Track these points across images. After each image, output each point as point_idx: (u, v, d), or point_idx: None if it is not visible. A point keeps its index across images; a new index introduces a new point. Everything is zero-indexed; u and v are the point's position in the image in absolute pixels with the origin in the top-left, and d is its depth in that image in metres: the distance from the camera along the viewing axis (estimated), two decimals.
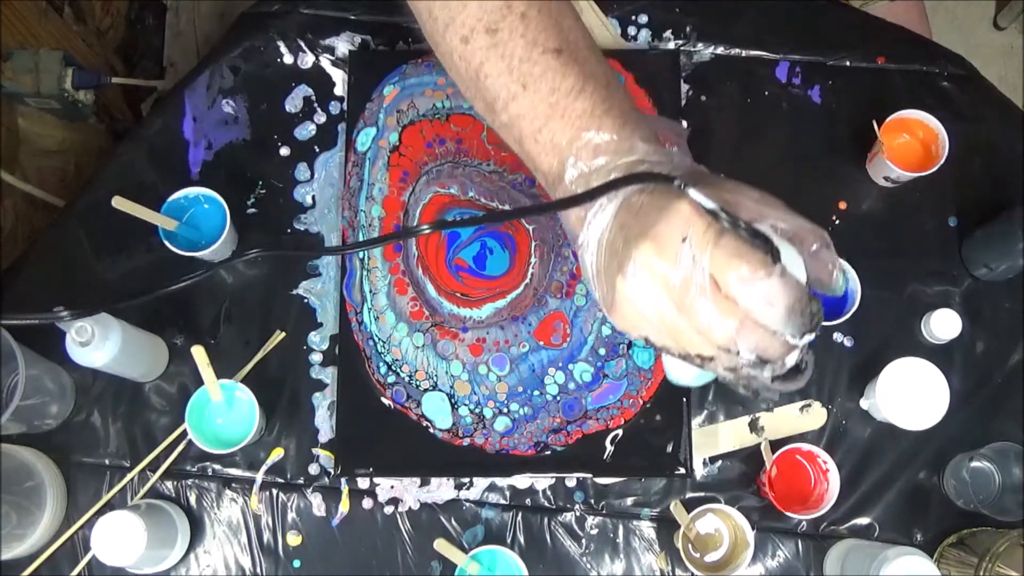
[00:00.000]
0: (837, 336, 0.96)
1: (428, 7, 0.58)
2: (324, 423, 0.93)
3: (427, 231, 0.52)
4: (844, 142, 1.01)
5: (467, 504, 0.92)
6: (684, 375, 0.55)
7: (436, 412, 0.91)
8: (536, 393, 0.92)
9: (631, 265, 0.49)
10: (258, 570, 0.91)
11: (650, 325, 0.50)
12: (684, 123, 0.99)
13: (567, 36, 0.56)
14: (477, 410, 0.91)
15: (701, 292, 0.47)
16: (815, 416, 0.94)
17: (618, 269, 0.50)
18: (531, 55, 0.54)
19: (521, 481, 0.92)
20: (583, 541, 0.92)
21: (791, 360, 0.50)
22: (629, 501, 0.93)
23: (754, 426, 0.94)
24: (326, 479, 0.93)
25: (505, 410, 0.91)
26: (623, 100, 0.55)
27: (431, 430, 0.91)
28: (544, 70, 0.54)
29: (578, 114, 0.54)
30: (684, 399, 0.92)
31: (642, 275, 0.48)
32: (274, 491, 0.92)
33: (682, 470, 0.91)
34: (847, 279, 0.53)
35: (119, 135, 1.41)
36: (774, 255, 0.47)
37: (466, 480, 0.92)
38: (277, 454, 0.93)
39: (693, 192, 0.46)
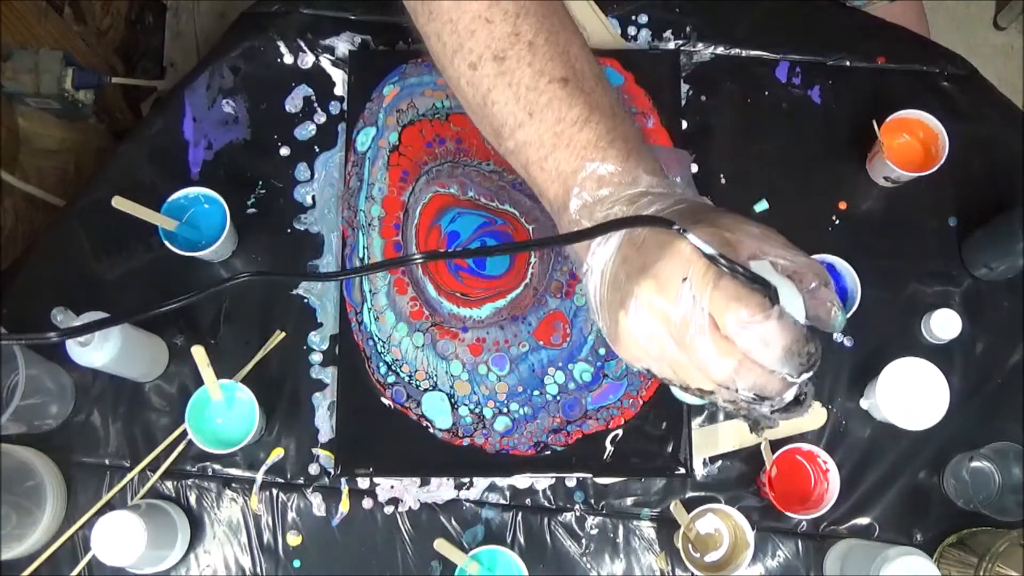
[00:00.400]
0: (837, 336, 0.96)
1: (437, 32, 0.58)
2: (324, 423, 0.93)
3: (419, 260, 0.52)
4: (844, 142, 1.01)
5: (467, 504, 0.92)
6: (690, 396, 0.56)
7: (436, 412, 0.91)
8: (536, 393, 0.92)
9: (633, 301, 0.49)
10: (258, 570, 0.91)
11: (651, 359, 0.51)
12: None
13: (574, 65, 0.56)
14: (477, 410, 0.91)
15: (700, 331, 0.48)
16: (815, 416, 0.94)
17: (620, 303, 0.50)
18: (538, 84, 0.55)
19: (521, 481, 0.92)
20: (583, 541, 0.92)
21: (789, 395, 0.51)
22: (629, 501, 0.93)
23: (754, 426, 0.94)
24: (326, 479, 0.93)
25: (505, 410, 0.91)
26: (628, 130, 0.56)
27: (431, 430, 0.91)
28: (550, 99, 0.55)
29: (583, 144, 0.54)
30: None
31: (643, 311, 0.49)
32: (274, 491, 0.92)
33: (682, 470, 0.91)
34: (845, 317, 0.54)
35: (119, 135, 1.41)
36: (772, 297, 0.48)
37: (466, 480, 0.92)
38: (277, 454, 0.93)
39: (692, 237, 0.47)
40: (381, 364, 0.92)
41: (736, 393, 0.49)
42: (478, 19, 0.56)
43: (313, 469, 0.93)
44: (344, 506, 0.92)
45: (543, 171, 0.56)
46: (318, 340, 0.95)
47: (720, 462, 0.94)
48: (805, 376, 0.49)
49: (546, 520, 0.92)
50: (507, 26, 0.55)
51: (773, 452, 0.88)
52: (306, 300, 0.96)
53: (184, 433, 0.91)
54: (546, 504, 0.93)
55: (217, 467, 0.93)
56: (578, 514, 0.92)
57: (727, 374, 0.48)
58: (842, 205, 1.00)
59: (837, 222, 0.99)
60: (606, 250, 0.52)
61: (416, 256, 0.52)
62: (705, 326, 0.47)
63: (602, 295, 0.52)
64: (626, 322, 0.50)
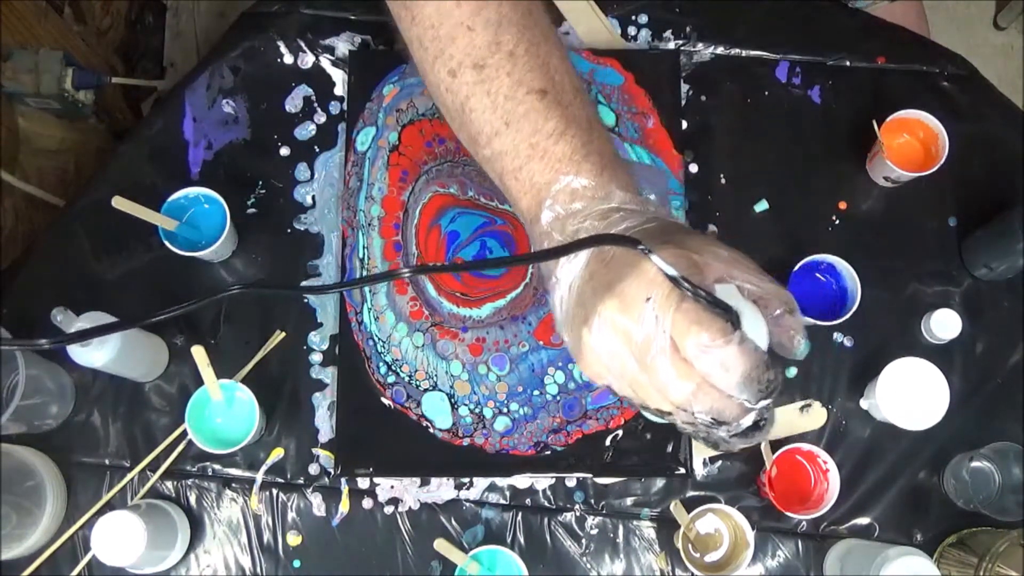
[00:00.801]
0: (837, 336, 0.96)
1: (419, 36, 0.59)
2: (324, 423, 0.93)
3: (407, 275, 0.53)
4: (844, 142, 1.01)
5: (467, 504, 0.92)
6: (651, 414, 0.56)
7: (436, 412, 0.91)
8: (536, 393, 0.92)
9: (596, 319, 0.49)
10: (258, 570, 0.91)
11: (613, 376, 0.51)
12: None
13: (553, 77, 0.56)
14: (477, 410, 0.91)
15: (661, 353, 0.48)
16: (815, 416, 0.94)
17: (584, 320, 0.50)
18: (516, 94, 0.55)
19: (521, 481, 0.92)
20: (583, 541, 0.92)
21: (747, 421, 0.51)
22: (629, 501, 0.93)
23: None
24: (326, 479, 0.93)
25: (505, 410, 0.91)
26: (604, 145, 0.56)
27: (431, 430, 0.91)
28: (528, 110, 0.55)
29: (557, 157, 0.54)
30: None
31: (606, 329, 0.49)
32: (274, 491, 0.92)
33: (682, 470, 0.91)
34: (810, 345, 0.54)
35: (119, 135, 1.41)
36: (734, 322, 0.48)
37: (466, 480, 0.92)
38: (277, 454, 0.93)
39: (656, 259, 0.47)
40: (381, 364, 0.92)
41: (693, 416, 0.50)
42: (460, 26, 0.56)
43: (313, 469, 0.93)
44: (344, 506, 0.92)
45: (517, 181, 0.56)
46: (318, 340, 0.95)
47: (720, 462, 0.94)
48: (764, 403, 0.50)
49: (546, 520, 0.92)
50: (488, 35, 0.55)
51: (773, 452, 0.88)
52: (306, 300, 0.96)
53: (184, 433, 0.91)
54: (546, 504, 0.93)
55: (217, 467, 0.93)
56: (578, 514, 0.92)
57: (685, 397, 0.49)
58: (842, 205, 1.00)
59: (837, 222, 0.99)
60: (575, 265, 0.52)
61: (404, 271, 0.52)
62: (666, 348, 0.48)
63: (568, 309, 0.52)
64: (589, 339, 0.50)
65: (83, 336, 0.52)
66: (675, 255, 0.48)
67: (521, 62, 0.55)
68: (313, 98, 1.01)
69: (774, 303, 0.52)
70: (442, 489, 0.92)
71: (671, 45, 1.03)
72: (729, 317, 0.48)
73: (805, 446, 0.89)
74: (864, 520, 0.92)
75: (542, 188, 0.55)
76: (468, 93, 0.56)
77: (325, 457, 0.93)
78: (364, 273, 0.94)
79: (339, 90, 1.01)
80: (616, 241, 0.49)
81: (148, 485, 0.92)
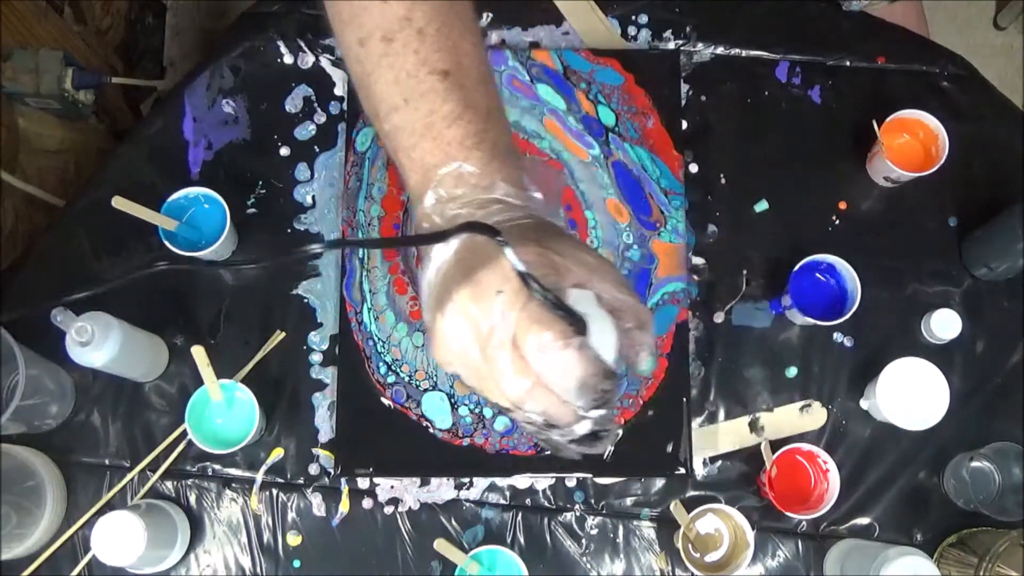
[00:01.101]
0: (837, 336, 0.96)
1: (335, 2, 0.58)
2: (324, 423, 0.93)
3: (318, 249, 0.52)
4: (844, 142, 1.01)
5: (467, 504, 0.92)
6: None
7: (436, 412, 0.91)
8: None
9: (450, 304, 0.50)
10: (258, 570, 0.91)
11: (460, 365, 0.51)
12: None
13: (460, 60, 0.56)
14: (477, 410, 0.91)
15: (501, 347, 0.48)
16: (815, 416, 0.94)
17: (438, 304, 0.51)
18: (419, 72, 0.55)
19: (521, 481, 0.92)
20: (583, 541, 0.92)
21: (581, 429, 0.51)
22: (629, 501, 0.93)
23: (754, 426, 0.94)
24: (326, 479, 0.93)
25: None
26: (499, 136, 0.56)
27: (431, 430, 0.91)
28: (428, 90, 0.55)
29: (448, 140, 0.54)
30: (684, 399, 0.92)
31: (458, 316, 0.50)
32: (274, 491, 0.92)
33: (682, 470, 0.91)
34: (654, 364, 0.56)
35: (119, 135, 1.41)
36: (579, 328, 0.48)
37: (466, 480, 0.92)
38: (277, 454, 0.93)
39: (509, 252, 0.47)
40: (381, 364, 0.92)
41: (527, 415, 0.50)
42: None
43: (313, 469, 0.93)
44: (344, 506, 0.92)
45: (409, 159, 0.56)
46: (318, 340, 0.95)
47: (720, 462, 0.94)
48: (597, 412, 0.50)
49: (546, 520, 0.92)
50: (401, 9, 0.55)
51: (773, 452, 0.88)
52: (306, 300, 0.96)
53: (184, 433, 0.91)
54: (546, 504, 0.93)
55: (217, 467, 0.93)
56: (578, 514, 0.92)
57: (519, 394, 0.49)
58: (842, 205, 1.00)
59: (837, 222, 0.99)
60: (446, 250, 0.52)
61: (315, 246, 0.52)
62: (506, 342, 0.48)
63: (431, 293, 0.52)
64: (441, 323, 0.50)
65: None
66: (535, 253, 0.49)
67: (429, 41, 0.55)
68: (313, 98, 1.01)
69: (627, 316, 0.53)
70: (442, 489, 0.92)
71: (671, 45, 1.03)
72: (573, 321, 0.48)
73: (805, 446, 0.89)
74: (864, 520, 0.92)
75: (430, 169, 0.55)
76: (374, 65, 0.56)
77: (325, 457, 0.93)
78: (365, 272, 0.94)
79: (339, 90, 1.01)
80: (476, 229, 0.49)
81: (148, 485, 0.92)
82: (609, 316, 0.52)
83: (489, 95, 0.57)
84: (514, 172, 0.55)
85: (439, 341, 0.51)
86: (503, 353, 0.48)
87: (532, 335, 0.47)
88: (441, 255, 0.52)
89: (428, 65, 0.55)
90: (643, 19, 1.04)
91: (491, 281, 0.48)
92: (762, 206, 0.99)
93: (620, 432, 0.53)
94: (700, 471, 0.93)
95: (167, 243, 0.90)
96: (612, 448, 0.91)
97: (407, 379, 0.92)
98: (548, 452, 0.90)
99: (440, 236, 0.51)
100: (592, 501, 0.93)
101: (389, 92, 0.55)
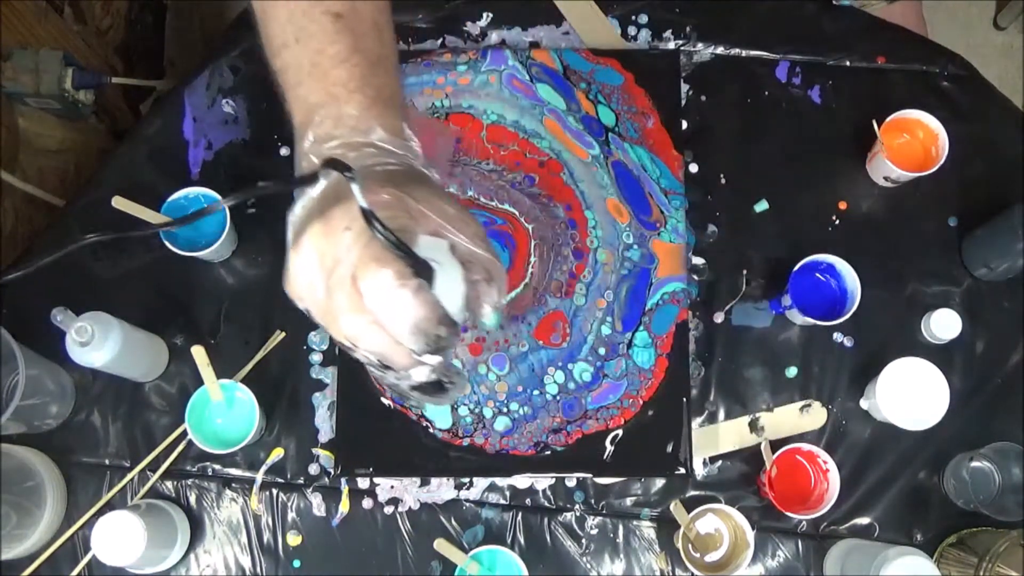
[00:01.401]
0: (837, 336, 0.96)
1: None
2: (324, 423, 0.93)
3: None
4: (844, 142, 1.01)
5: (467, 504, 0.92)
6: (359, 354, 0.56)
7: (436, 412, 0.91)
8: (536, 393, 0.92)
9: (303, 238, 0.50)
10: (258, 570, 0.91)
11: (309, 300, 0.52)
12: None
13: (355, 6, 0.56)
14: (477, 410, 0.91)
15: (341, 281, 0.48)
16: (815, 416, 0.94)
17: (295, 240, 0.51)
18: (312, 12, 0.55)
19: (521, 481, 0.92)
20: (583, 541, 0.92)
21: (418, 375, 0.51)
22: (629, 501, 0.93)
23: (754, 426, 0.94)
24: (326, 479, 0.93)
25: (505, 410, 0.91)
26: (385, 84, 0.56)
27: (431, 430, 0.91)
28: (318, 30, 0.55)
29: (333, 81, 0.55)
30: (684, 399, 0.92)
31: (308, 250, 0.50)
32: (274, 491, 0.92)
33: (682, 470, 0.91)
34: (499, 318, 0.56)
35: (119, 135, 1.41)
36: (422, 271, 0.49)
37: (466, 480, 0.92)
38: (277, 454, 0.93)
39: (354, 187, 0.47)
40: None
41: (364, 354, 0.50)
42: None
43: (313, 469, 0.93)
44: (344, 506, 0.92)
45: (295, 98, 0.56)
46: (318, 340, 0.95)
47: (720, 462, 0.94)
48: (431, 359, 0.50)
49: (546, 520, 0.92)
50: None
51: (773, 452, 0.88)
52: None
53: (184, 433, 0.91)
54: (546, 504, 0.93)
55: (217, 467, 0.93)
56: (578, 514, 0.92)
57: (354, 332, 0.49)
58: (842, 205, 1.00)
59: (837, 222, 0.99)
60: (312, 190, 0.52)
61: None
62: (346, 279, 0.48)
63: (292, 230, 0.53)
64: (293, 258, 0.51)
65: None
66: (389, 195, 0.49)
67: None
68: None
69: (476, 268, 0.53)
70: (442, 489, 0.92)
71: (671, 45, 1.03)
72: (415, 264, 0.48)
73: (805, 446, 0.89)
74: (864, 520, 0.92)
75: (312, 109, 0.55)
76: (271, 3, 0.57)
77: (325, 457, 0.93)
78: None
79: None
80: (331, 166, 0.49)
81: (148, 485, 0.92)
82: (460, 266, 0.52)
83: (382, 44, 0.58)
84: (394, 121, 0.55)
85: (290, 275, 0.52)
86: (342, 289, 0.48)
87: (369, 272, 0.48)
88: (307, 194, 0.52)
89: (322, 6, 0.55)
90: (643, 19, 1.04)
91: (341, 218, 0.49)
92: (762, 206, 0.99)
93: (467, 384, 0.53)
94: (700, 471, 0.93)
95: (167, 243, 0.90)
96: (612, 448, 0.91)
97: None
98: (548, 453, 0.90)
99: (304, 180, 0.51)
100: (592, 501, 0.93)
101: (282, 30, 0.56)
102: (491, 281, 0.54)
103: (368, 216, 0.47)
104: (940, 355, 0.93)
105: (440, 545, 0.85)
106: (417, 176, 0.54)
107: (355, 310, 0.49)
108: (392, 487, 0.92)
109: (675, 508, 0.86)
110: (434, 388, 0.53)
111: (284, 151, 0.99)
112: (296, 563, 0.91)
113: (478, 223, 0.53)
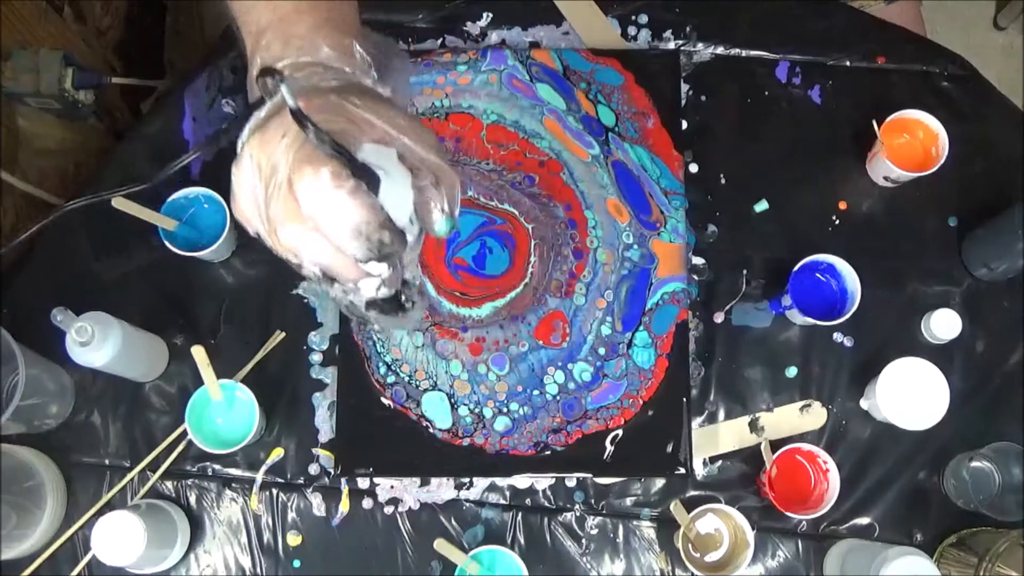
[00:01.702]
0: (837, 336, 0.96)
1: None
2: (324, 423, 0.93)
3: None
4: (844, 142, 1.01)
5: (467, 504, 0.92)
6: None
7: (436, 412, 0.91)
8: (536, 393, 0.91)
9: (243, 152, 0.50)
10: (258, 570, 0.91)
11: (254, 217, 0.50)
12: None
13: None
14: (477, 410, 0.91)
15: (276, 189, 0.47)
16: (815, 416, 0.94)
17: (238, 158, 0.50)
18: None
19: (521, 481, 0.92)
20: (583, 541, 0.92)
21: (368, 288, 0.49)
22: (629, 501, 0.93)
23: (754, 426, 0.94)
24: (326, 479, 0.92)
25: (505, 410, 0.91)
26: (335, 10, 0.55)
27: (431, 430, 0.91)
28: None
29: (281, 5, 0.54)
30: (684, 399, 0.92)
31: (247, 163, 0.49)
32: (274, 491, 0.92)
33: (682, 470, 0.91)
34: (451, 224, 0.52)
35: (119, 135, 1.41)
36: (360, 174, 0.46)
37: (466, 480, 0.92)
38: (277, 454, 0.93)
39: (283, 88, 0.46)
40: (381, 364, 0.92)
41: (309, 268, 0.49)
42: None
43: (313, 469, 0.93)
44: (344, 506, 0.92)
45: (244, 24, 0.56)
46: (318, 340, 0.95)
47: (720, 462, 0.94)
48: (376, 267, 0.48)
49: (546, 520, 0.92)
50: None
51: (773, 452, 0.88)
52: (306, 300, 0.96)
53: (184, 433, 0.91)
54: (546, 504, 0.93)
55: (217, 467, 0.93)
56: (578, 514, 0.92)
57: (294, 241, 0.48)
58: (842, 205, 1.00)
59: (837, 222, 0.99)
60: (261, 110, 0.51)
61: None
62: (283, 184, 0.47)
63: (239, 151, 0.52)
64: (235, 174, 0.50)
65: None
66: (330, 102, 0.48)
67: None
68: None
69: (422, 173, 0.51)
70: (442, 489, 0.92)
71: (671, 45, 1.03)
72: (350, 165, 0.46)
73: (805, 446, 0.89)
74: (864, 520, 0.92)
75: (261, 32, 0.54)
76: None
77: (325, 457, 0.93)
78: None
79: None
80: (265, 74, 0.48)
81: (148, 485, 0.92)
82: (409, 174, 0.50)
83: None
84: (343, 40, 0.54)
85: (235, 194, 0.51)
86: (278, 196, 0.47)
87: (303, 175, 0.46)
88: (255, 116, 0.51)
89: None
90: (643, 19, 1.04)
91: (278, 127, 0.48)
92: (762, 206, 0.99)
93: (425, 302, 0.52)
94: (700, 471, 0.93)
95: (167, 243, 0.90)
96: (612, 448, 0.91)
97: (407, 379, 0.92)
98: (548, 453, 0.90)
99: (256, 104, 0.50)
100: (592, 501, 0.93)
101: None
102: (440, 185, 0.52)
103: (299, 117, 0.45)
104: (940, 355, 0.93)
105: (440, 545, 0.85)
106: (367, 91, 0.52)
107: (293, 217, 0.47)
108: (392, 487, 0.92)
109: (675, 508, 0.86)
110: (392, 307, 0.50)
111: None
112: (296, 563, 0.91)
113: (432, 133, 0.52)
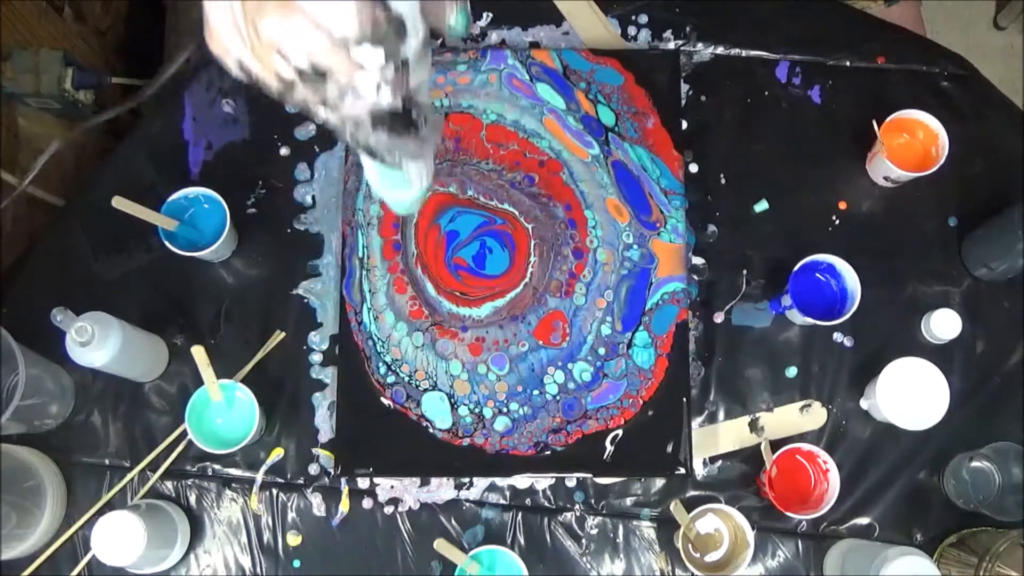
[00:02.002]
0: (837, 336, 0.96)
1: None
2: (324, 423, 0.93)
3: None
4: (844, 142, 1.01)
5: (467, 504, 0.92)
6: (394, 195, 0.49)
7: (436, 412, 0.91)
8: (536, 393, 0.91)
9: None
10: (258, 570, 0.91)
11: (233, 40, 0.46)
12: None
13: None
14: (477, 410, 0.91)
15: None
16: (815, 416, 0.94)
17: None
18: None
19: (521, 481, 0.92)
20: (583, 541, 0.92)
21: (365, 86, 0.45)
22: (629, 501, 0.93)
23: (754, 426, 0.94)
24: (326, 479, 0.92)
25: (505, 410, 0.91)
26: None
27: (431, 430, 0.91)
28: None
29: None
30: (684, 399, 0.92)
31: None
32: (274, 491, 0.92)
33: (682, 470, 0.91)
34: (467, 21, 0.48)
35: (119, 135, 1.41)
36: None
37: (466, 480, 0.92)
38: (277, 454, 0.93)
39: None
40: (381, 364, 0.92)
41: (294, 65, 0.44)
42: None
43: (313, 469, 0.93)
44: (344, 506, 0.92)
45: None
46: (318, 340, 0.95)
47: (720, 462, 0.94)
48: (370, 51, 0.44)
49: (546, 520, 0.92)
50: None
51: (773, 452, 0.88)
52: (306, 300, 0.96)
53: (184, 433, 0.91)
54: (546, 504, 0.93)
55: (217, 467, 0.93)
56: (578, 514, 0.92)
57: (276, 32, 0.43)
58: (842, 205, 1.00)
59: (837, 222, 0.99)
60: None
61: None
62: None
63: None
64: (208, 7, 0.45)
65: None
66: None
67: None
68: None
69: None
70: (442, 489, 0.92)
71: (671, 45, 1.03)
72: None
73: (805, 446, 0.89)
74: (864, 520, 0.92)
75: None
76: None
77: (325, 457, 0.93)
78: (364, 272, 0.94)
79: None
80: None
81: (148, 485, 0.92)
82: None
83: None
84: None
85: (208, 24, 0.46)
86: None
87: None
88: None
89: None
90: (643, 19, 1.04)
91: None
92: (762, 206, 0.99)
93: (440, 120, 0.45)
94: (700, 471, 0.93)
95: (167, 243, 0.90)
96: (612, 448, 0.91)
97: (407, 379, 0.92)
98: (548, 453, 0.90)
99: None
100: (592, 501, 0.93)
101: None
102: None
103: None
104: (940, 355, 0.93)
105: (440, 545, 0.85)
106: None
107: (277, 8, 0.43)
108: (392, 487, 0.92)
109: (675, 508, 0.86)
110: (402, 124, 0.46)
111: (284, 151, 0.99)
112: (296, 563, 0.91)
113: None
